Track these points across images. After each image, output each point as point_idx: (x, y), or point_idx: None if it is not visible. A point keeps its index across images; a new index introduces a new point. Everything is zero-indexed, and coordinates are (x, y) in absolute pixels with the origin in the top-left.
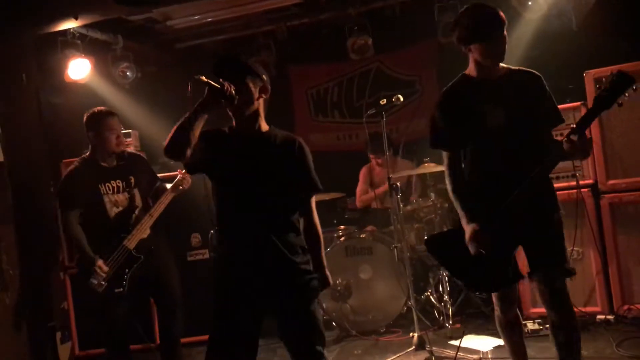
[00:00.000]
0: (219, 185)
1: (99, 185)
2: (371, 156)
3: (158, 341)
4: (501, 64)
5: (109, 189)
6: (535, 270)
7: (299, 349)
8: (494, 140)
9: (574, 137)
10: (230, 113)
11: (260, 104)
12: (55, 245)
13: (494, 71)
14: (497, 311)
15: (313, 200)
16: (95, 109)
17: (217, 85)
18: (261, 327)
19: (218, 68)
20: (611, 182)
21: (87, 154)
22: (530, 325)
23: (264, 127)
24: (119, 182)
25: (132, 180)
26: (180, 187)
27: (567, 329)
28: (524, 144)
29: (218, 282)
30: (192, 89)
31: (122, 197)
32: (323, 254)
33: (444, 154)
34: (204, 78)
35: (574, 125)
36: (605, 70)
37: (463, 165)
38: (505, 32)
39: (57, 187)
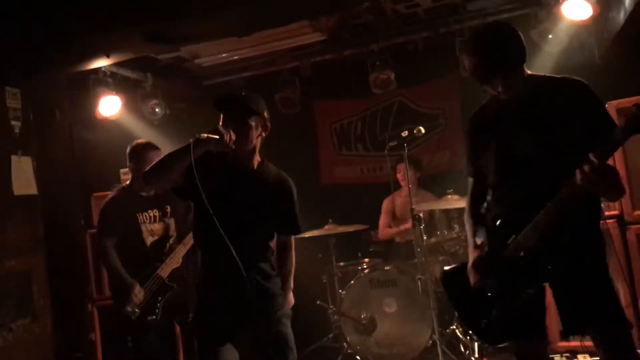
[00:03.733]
0: (205, 214)
1: (137, 215)
2: (398, 167)
3: None
4: (537, 74)
5: (146, 219)
6: (567, 328)
7: None
8: (520, 170)
9: (587, 168)
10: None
11: (258, 141)
12: (84, 277)
13: (519, 89)
14: None
15: (292, 239)
16: (138, 141)
17: (215, 137)
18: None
19: (220, 104)
20: (637, 212)
21: (127, 183)
22: None
23: (257, 162)
24: (155, 212)
25: (169, 210)
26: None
27: None
28: (558, 175)
29: (200, 311)
30: (193, 145)
31: (158, 227)
32: (290, 290)
33: (469, 181)
34: (204, 135)
35: (592, 155)
36: (629, 101)
37: (489, 197)
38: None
39: (98, 216)
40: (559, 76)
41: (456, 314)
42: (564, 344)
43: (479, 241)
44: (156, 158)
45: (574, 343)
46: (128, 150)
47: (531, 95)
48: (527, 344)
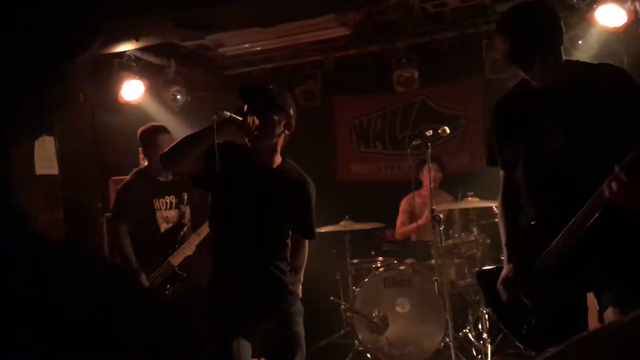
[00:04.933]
0: (220, 207)
1: (153, 200)
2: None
3: None
4: (573, 60)
5: (162, 205)
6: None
7: None
8: (551, 168)
9: (614, 184)
10: (247, 139)
11: (280, 139)
12: None
13: (555, 76)
14: None
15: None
16: (148, 125)
17: (238, 118)
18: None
19: (245, 95)
20: None
21: (144, 165)
22: None
23: (277, 161)
24: (172, 198)
25: (185, 197)
26: None
27: None
28: (591, 171)
29: (214, 306)
30: (216, 122)
31: (173, 214)
32: (299, 283)
33: (500, 174)
34: (227, 113)
35: (617, 167)
36: None
37: (522, 197)
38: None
39: (113, 201)
40: (596, 63)
41: (494, 316)
42: None
43: (510, 253)
44: (166, 141)
45: None
46: (138, 133)
47: (566, 84)
48: None
